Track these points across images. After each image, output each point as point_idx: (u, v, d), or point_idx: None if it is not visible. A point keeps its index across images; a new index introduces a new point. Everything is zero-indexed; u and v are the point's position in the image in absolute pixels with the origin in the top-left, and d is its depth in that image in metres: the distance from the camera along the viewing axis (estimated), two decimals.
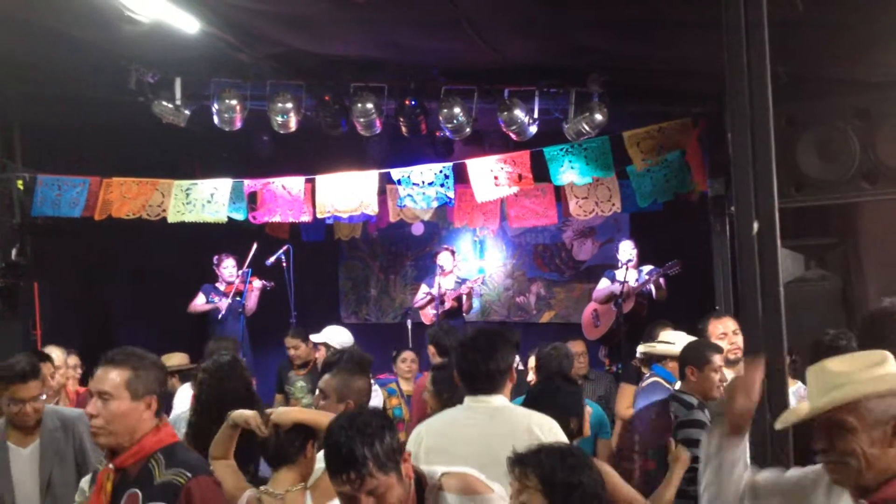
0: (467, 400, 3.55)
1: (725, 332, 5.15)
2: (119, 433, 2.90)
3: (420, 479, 2.55)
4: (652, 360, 5.62)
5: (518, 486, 2.41)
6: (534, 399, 3.84)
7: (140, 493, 2.85)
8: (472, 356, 3.54)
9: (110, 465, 2.92)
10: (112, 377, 2.92)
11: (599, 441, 5.37)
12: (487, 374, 3.49)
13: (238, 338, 8.76)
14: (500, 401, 3.50)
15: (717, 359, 4.65)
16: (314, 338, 7.07)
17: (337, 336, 6.80)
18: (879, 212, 5.82)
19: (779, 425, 2.46)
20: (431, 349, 6.34)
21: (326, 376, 4.04)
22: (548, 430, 3.38)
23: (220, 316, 8.93)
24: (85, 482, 3.82)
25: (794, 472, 2.56)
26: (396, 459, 2.46)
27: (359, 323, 11.39)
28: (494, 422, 3.42)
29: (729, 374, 4.79)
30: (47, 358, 5.30)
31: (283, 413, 3.32)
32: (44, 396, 4.36)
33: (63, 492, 4.15)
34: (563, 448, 2.55)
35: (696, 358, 4.74)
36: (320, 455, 3.37)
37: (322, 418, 3.27)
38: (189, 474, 2.90)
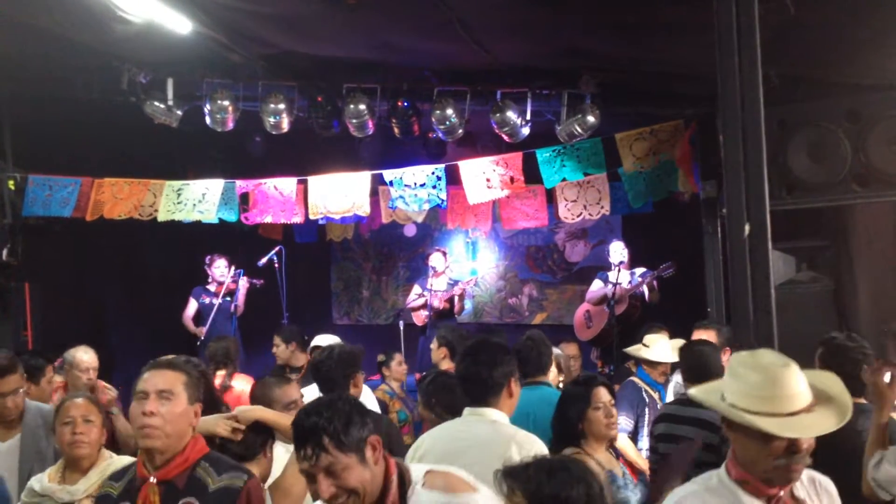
0: (466, 411, 3.55)
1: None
2: (172, 436, 2.84)
3: (403, 475, 2.52)
4: (639, 363, 5.64)
5: (506, 502, 2.35)
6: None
7: (196, 501, 2.81)
8: (472, 366, 3.54)
9: (153, 479, 2.82)
10: (172, 378, 2.90)
11: None
12: (485, 384, 3.49)
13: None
14: (496, 415, 3.49)
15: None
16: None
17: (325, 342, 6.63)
18: (870, 214, 5.84)
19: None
20: (444, 351, 6.26)
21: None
22: (527, 451, 3.27)
23: (199, 342, 8.87)
24: (36, 481, 3.82)
25: None
26: (360, 441, 2.43)
27: (351, 324, 11.39)
28: (484, 437, 3.41)
29: None
30: (49, 360, 5.38)
31: (246, 411, 3.37)
32: (22, 390, 4.38)
33: None
34: (553, 462, 2.47)
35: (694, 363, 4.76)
36: (278, 455, 3.46)
37: (284, 420, 3.31)
38: (245, 476, 2.89)
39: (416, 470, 2.56)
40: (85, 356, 5.78)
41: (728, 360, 4.45)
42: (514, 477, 2.35)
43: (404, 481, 2.51)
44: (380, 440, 2.53)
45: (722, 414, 2.43)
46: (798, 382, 2.36)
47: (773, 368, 2.37)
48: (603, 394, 3.88)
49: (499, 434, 3.42)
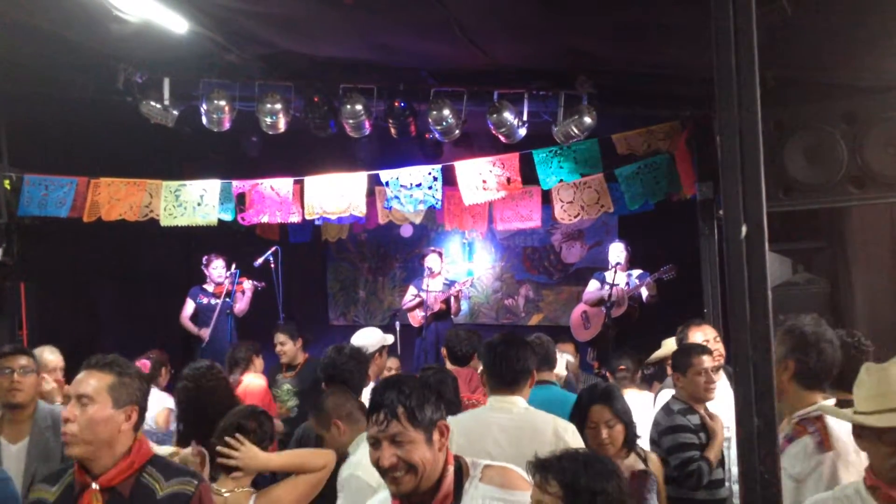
0: (491, 399, 3.79)
1: (706, 339, 5.14)
2: (93, 443, 2.71)
3: (461, 467, 2.57)
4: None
5: (538, 493, 2.38)
6: None
7: None
8: (500, 357, 3.78)
9: (94, 486, 2.69)
10: (94, 381, 2.77)
11: None
12: (514, 373, 3.75)
13: (227, 339, 8.75)
14: (522, 402, 3.74)
15: (701, 361, 4.64)
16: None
17: (369, 337, 6.32)
18: (867, 216, 5.85)
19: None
20: (444, 351, 6.33)
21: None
22: (572, 433, 3.62)
23: (202, 345, 8.90)
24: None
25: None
26: (431, 421, 2.49)
27: (347, 325, 11.37)
28: (521, 423, 3.65)
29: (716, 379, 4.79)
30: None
31: (251, 460, 3.39)
32: (32, 374, 4.39)
33: None
34: (587, 455, 2.51)
35: (679, 364, 4.77)
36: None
37: (296, 459, 3.37)
38: (196, 481, 2.81)
39: (475, 464, 2.61)
40: (51, 356, 5.81)
41: None
42: (547, 468, 2.40)
43: (461, 473, 2.56)
44: (449, 427, 2.57)
45: (838, 418, 2.50)
46: None
47: (888, 367, 2.40)
48: (596, 412, 3.98)
49: (544, 418, 3.68)
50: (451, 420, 3.84)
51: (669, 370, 5.53)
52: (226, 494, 3.30)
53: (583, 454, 2.50)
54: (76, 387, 2.78)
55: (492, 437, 3.63)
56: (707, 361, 4.66)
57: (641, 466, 3.99)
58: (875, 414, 2.32)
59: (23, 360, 4.40)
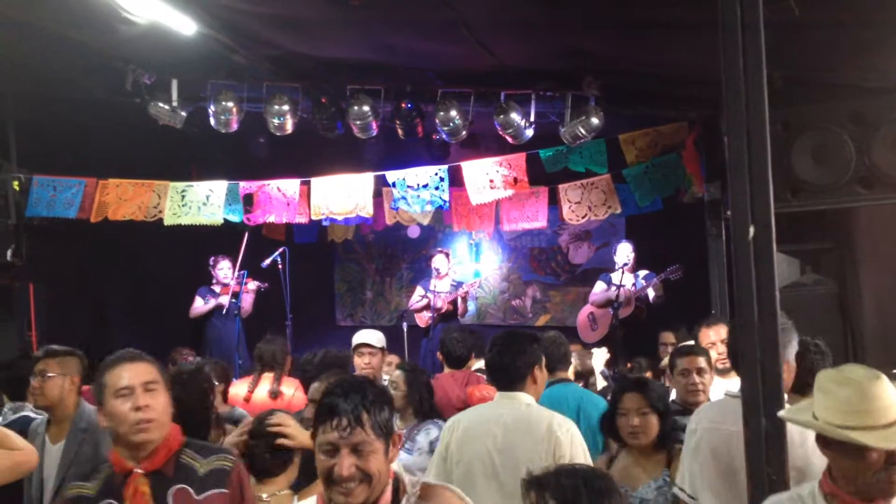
0: (497, 395, 3.84)
1: (714, 340, 5.06)
2: (164, 426, 2.84)
3: (399, 484, 2.42)
4: None
5: None
6: None
7: (189, 488, 2.80)
8: (497, 356, 3.83)
9: (138, 470, 2.79)
10: (151, 369, 2.89)
11: None
12: (508, 372, 3.79)
13: (234, 339, 8.77)
14: (527, 398, 3.75)
15: (683, 362, 4.59)
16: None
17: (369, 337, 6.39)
18: (875, 217, 5.83)
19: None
20: (440, 356, 6.29)
21: (315, 384, 4.23)
22: (566, 430, 3.61)
23: (223, 311, 8.92)
24: None
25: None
26: (391, 430, 2.36)
27: (354, 325, 11.37)
28: (519, 418, 3.68)
29: (721, 382, 4.75)
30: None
31: (300, 434, 3.35)
32: (55, 373, 4.40)
33: None
34: (586, 470, 2.39)
35: (670, 363, 4.76)
36: None
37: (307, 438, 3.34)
38: (233, 457, 2.91)
39: (413, 482, 2.47)
40: None
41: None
42: (544, 485, 2.28)
43: (398, 489, 2.42)
44: (401, 437, 2.49)
45: (817, 432, 2.41)
46: (889, 394, 2.36)
47: (863, 382, 2.36)
48: (629, 399, 3.96)
49: (541, 413, 3.70)
50: (461, 414, 3.96)
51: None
52: (267, 498, 3.27)
53: (581, 470, 2.38)
54: (139, 376, 2.84)
55: (490, 432, 3.67)
56: (692, 362, 4.57)
57: (661, 468, 3.91)
58: (865, 431, 2.29)
59: (43, 365, 4.42)
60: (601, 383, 6.35)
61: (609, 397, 4.25)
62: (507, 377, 3.80)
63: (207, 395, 4.46)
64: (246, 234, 8.89)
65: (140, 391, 2.81)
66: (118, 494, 2.79)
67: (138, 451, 2.81)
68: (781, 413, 2.74)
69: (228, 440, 3.50)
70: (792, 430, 2.90)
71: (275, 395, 6.03)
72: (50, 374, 4.40)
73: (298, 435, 3.35)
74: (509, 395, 3.77)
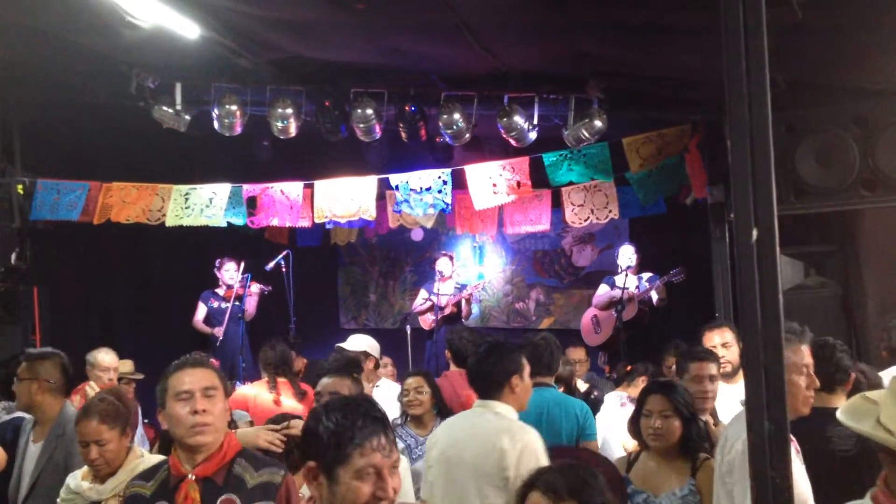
0: (476, 403, 3.93)
1: (714, 345, 4.96)
2: (220, 431, 2.91)
3: None
4: None
5: None
6: None
7: (237, 498, 2.84)
8: (475, 364, 3.94)
9: (191, 476, 2.85)
10: (211, 375, 2.97)
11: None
12: (488, 378, 3.86)
13: (238, 342, 8.78)
14: (500, 408, 3.80)
15: (694, 367, 4.49)
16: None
17: (358, 343, 6.53)
18: (878, 219, 5.83)
19: None
20: (448, 354, 6.31)
21: (324, 380, 4.32)
22: (517, 441, 3.64)
23: (217, 343, 8.93)
24: (71, 478, 3.85)
25: None
26: None
27: (358, 328, 11.38)
28: (476, 428, 3.79)
29: (725, 387, 4.72)
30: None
31: (296, 426, 3.35)
32: (21, 378, 4.47)
33: (45, 491, 4.20)
34: (577, 468, 2.48)
35: (678, 367, 4.68)
36: None
37: None
38: (283, 472, 2.95)
39: None
40: (106, 357, 6.31)
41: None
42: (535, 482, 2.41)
43: None
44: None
45: (883, 443, 2.24)
46: None
47: None
48: (653, 401, 3.96)
49: (495, 424, 3.75)
50: (444, 423, 4.12)
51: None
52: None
53: (576, 466, 2.49)
54: (198, 382, 2.91)
55: (454, 441, 3.80)
56: (704, 368, 4.46)
57: (686, 476, 3.82)
58: None
59: (18, 369, 4.53)
60: (583, 386, 6.38)
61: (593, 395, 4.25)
62: (483, 385, 3.88)
63: None
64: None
65: (199, 395, 2.89)
66: (171, 497, 2.85)
67: (194, 454, 2.87)
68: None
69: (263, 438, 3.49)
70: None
71: (302, 395, 6.18)
72: (21, 378, 4.48)
73: None
74: (484, 403, 3.84)
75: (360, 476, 2.15)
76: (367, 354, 6.19)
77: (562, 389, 5.56)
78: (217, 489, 2.84)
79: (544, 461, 3.56)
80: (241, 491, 2.85)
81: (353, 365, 5.35)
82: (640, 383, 5.86)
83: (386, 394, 5.93)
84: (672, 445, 3.87)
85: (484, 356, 3.90)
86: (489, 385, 3.84)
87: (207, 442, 2.87)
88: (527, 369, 3.92)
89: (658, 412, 3.87)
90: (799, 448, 3.16)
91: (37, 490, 4.27)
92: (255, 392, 6.18)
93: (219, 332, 8.95)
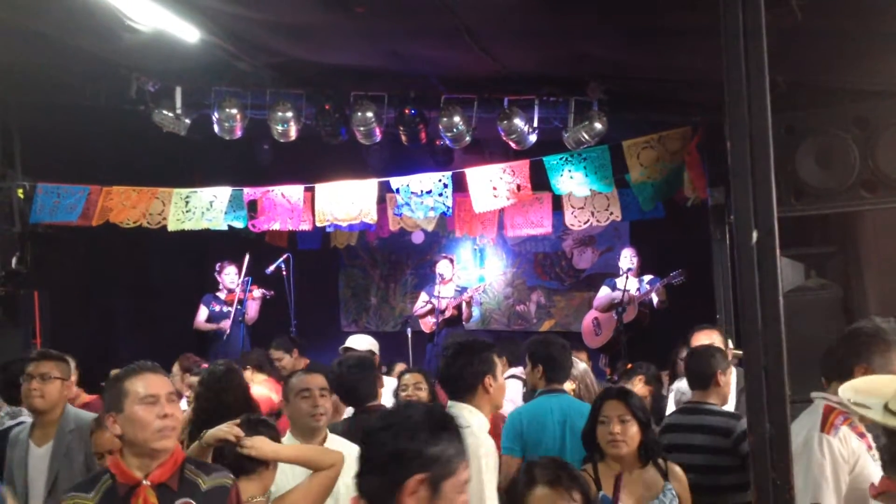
0: (449, 404, 3.75)
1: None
2: (176, 438, 2.95)
3: None
4: None
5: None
6: None
7: (193, 501, 2.86)
8: (444, 367, 3.79)
9: (146, 482, 2.80)
10: (169, 381, 3.02)
11: None
12: (458, 380, 3.72)
13: (239, 346, 8.77)
14: (467, 411, 3.61)
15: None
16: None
17: (360, 343, 6.62)
18: (879, 220, 5.82)
19: None
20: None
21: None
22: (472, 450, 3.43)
23: (224, 336, 8.92)
24: None
25: None
26: None
27: (358, 331, 11.36)
28: None
29: None
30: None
31: (260, 448, 3.28)
32: (54, 375, 4.44)
33: (66, 486, 4.14)
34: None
35: (685, 367, 4.70)
36: (284, 468, 3.47)
37: (306, 453, 3.42)
38: (231, 476, 2.99)
39: None
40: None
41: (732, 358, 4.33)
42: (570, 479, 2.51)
43: None
44: None
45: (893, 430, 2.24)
46: None
47: None
48: (610, 406, 3.79)
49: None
50: None
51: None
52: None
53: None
54: (165, 386, 2.94)
55: None
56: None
57: (660, 481, 3.72)
58: None
59: (44, 367, 4.45)
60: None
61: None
62: (454, 387, 3.73)
63: (248, 392, 4.60)
64: (247, 257, 8.90)
65: (164, 400, 2.89)
66: None
67: (151, 460, 2.84)
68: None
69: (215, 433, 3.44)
70: None
71: None
72: (52, 377, 4.44)
73: (258, 443, 3.28)
74: (456, 405, 3.67)
75: (457, 491, 2.04)
76: (372, 353, 6.23)
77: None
78: (172, 494, 2.84)
79: (493, 470, 3.53)
80: (196, 495, 2.87)
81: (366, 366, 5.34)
82: (637, 382, 5.87)
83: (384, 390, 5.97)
84: (631, 452, 3.73)
85: (452, 359, 3.74)
86: (460, 387, 3.70)
87: (170, 447, 2.88)
88: (499, 368, 3.79)
89: (616, 417, 3.72)
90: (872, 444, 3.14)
91: (58, 486, 4.21)
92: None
93: (226, 324, 8.96)
